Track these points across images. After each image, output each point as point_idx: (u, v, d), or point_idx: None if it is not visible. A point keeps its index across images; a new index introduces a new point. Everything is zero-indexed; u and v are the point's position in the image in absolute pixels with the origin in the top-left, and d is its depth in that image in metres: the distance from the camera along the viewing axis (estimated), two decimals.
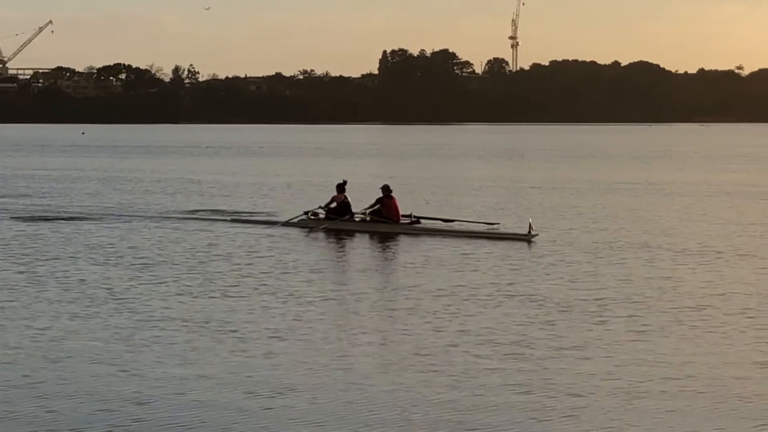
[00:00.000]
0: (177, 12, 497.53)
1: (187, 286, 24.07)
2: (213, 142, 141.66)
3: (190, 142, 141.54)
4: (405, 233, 34.02)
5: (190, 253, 29.60)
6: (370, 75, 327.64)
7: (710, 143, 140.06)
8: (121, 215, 40.62)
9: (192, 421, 13.79)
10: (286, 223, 36.34)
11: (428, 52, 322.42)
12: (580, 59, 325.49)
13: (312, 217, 36.06)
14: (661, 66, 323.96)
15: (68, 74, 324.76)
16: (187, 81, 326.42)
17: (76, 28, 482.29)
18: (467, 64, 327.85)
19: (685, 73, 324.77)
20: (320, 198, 40.55)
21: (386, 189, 35.06)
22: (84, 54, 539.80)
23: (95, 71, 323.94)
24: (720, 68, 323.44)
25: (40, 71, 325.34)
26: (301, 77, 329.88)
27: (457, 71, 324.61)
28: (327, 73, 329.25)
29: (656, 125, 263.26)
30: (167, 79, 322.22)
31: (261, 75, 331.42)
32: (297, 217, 36.64)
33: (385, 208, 34.75)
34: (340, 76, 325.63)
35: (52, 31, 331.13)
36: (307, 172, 72.30)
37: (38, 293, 23.09)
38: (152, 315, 20.64)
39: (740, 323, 19.95)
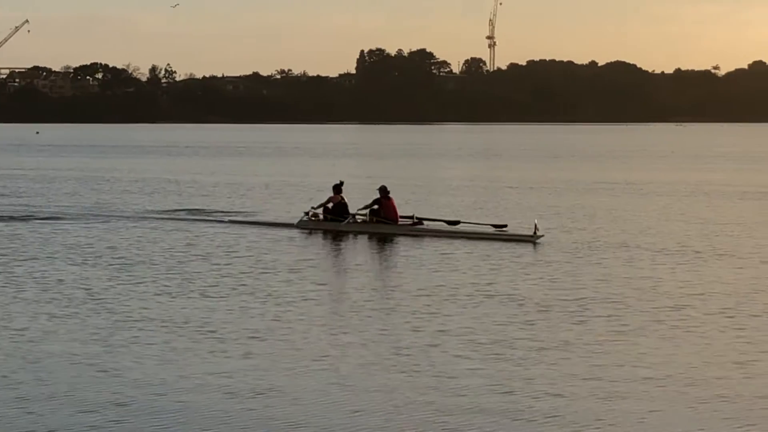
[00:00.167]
0: (153, 11, 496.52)
1: (166, 286, 23.98)
2: (191, 142, 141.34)
3: (167, 142, 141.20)
4: (406, 235, 33.74)
5: (168, 253, 29.51)
6: (347, 75, 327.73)
7: (687, 143, 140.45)
8: (98, 215, 40.46)
9: (172, 422, 13.73)
10: (296, 226, 35.77)
11: (406, 51, 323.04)
12: (557, 59, 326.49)
13: (313, 218, 35.79)
14: (638, 66, 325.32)
15: (45, 74, 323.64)
16: (164, 80, 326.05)
17: (52, 27, 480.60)
18: (445, 63, 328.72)
19: (662, 73, 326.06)
20: (299, 198, 40.50)
21: (383, 190, 34.89)
22: (60, 53, 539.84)
23: (72, 71, 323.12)
24: (697, 68, 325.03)
25: (17, 71, 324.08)
26: (278, 77, 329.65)
27: (434, 71, 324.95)
28: (304, 73, 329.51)
29: (633, 125, 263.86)
30: (144, 79, 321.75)
31: (238, 74, 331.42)
32: (304, 217, 36.14)
33: (383, 208, 34.60)
34: (318, 76, 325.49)
35: (29, 31, 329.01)
36: (284, 172, 72.20)
37: (16, 294, 22.96)
38: (131, 315, 20.55)
39: (719, 323, 19.99)
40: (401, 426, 13.62)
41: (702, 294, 23.06)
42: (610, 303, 21.89)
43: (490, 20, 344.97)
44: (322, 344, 18.18)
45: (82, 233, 34.45)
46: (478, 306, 21.61)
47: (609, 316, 20.55)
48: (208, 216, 40.18)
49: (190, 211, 42.25)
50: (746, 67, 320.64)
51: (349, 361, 17.01)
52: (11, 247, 30.72)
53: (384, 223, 34.39)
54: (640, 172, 72.29)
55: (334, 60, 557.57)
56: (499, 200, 48.56)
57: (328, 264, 28.71)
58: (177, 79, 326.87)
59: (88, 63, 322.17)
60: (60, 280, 24.74)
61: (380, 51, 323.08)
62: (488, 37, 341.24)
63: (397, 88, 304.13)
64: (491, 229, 34.05)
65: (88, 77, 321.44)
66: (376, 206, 34.69)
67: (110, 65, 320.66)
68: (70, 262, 27.72)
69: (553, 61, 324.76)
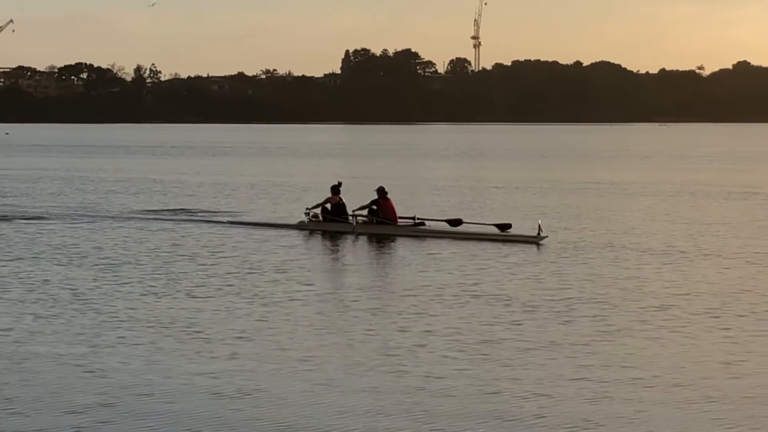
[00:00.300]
0: (138, 12, 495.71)
1: (152, 286, 23.94)
2: (176, 142, 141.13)
3: (152, 142, 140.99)
4: (408, 236, 33.59)
5: (154, 253, 29.45)
6: (332, 75, 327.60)
7: (672, 143, 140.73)
8: (84, 215, 40.38)
9: (158, 423, 13.69)
10: (296, 227, 35.68)
11: (391, 52, 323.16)
12: (542, 59, 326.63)
13: (313, 219, 35.71)
14: (623, 66, 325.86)
15: (29, 73, 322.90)
16: (148, 80, 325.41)
17: (37, 27, 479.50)
18: (430, 64, 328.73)
19: (647, 73, 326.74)
20: (285, 198, 40.44)
21: (381, 191, 34.78)
22: (45, 53, 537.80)
23: (56, 71, 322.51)
24: (681, 68, 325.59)
25: (1, 70, 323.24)
26: (263, 77, 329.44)
27: (419, 71, 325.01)
28: (289, 73, 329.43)
29: (618, 125, 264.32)
30: (129, 79, 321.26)
31: (223, 74, 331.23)
32: (305, 218, 36.04)
33: (381, 209, 34.49)
34: (303, 76, 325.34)
35: (13, 30, 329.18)
36: (270, 172, 72.13)
37: (1, 294, 22.88)
38: (117, 316, 20.50)
39: (705, 323, 20.02)
40: (388, 427, 13.60)
41: (688, 294, 23.10)
42: (596, 303, 21.91)
43: (475, 20, 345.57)
44: (308, 345, 18.15)
45: (68, 233, 34.37)
46: (464, 306, 21.61)
47: (595, 316, 20.56)
48: (193, 216, 40.09)
49: (174, 211, 42.17)
50: (731, 67, 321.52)
51: (336, 361, 16.99)
52: None
53: (385, 223, 34.28)
54: (625, 172, 72.40)
55: (319, 60, 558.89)
56: (485, 200, 48.56)
57: (322, 265, 28.65)
58: (162, 79, 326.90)
59: (73, 63, 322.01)
60: (45, 281, 24.67)
61: (365, 51, 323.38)
62: (473, 37, 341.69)
63: (382, 88, 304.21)
64: (494, 230, 33.55)
65: (72, 77, 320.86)
66: (374, 207, 34.60)
67: (95, 65, 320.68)
68: (55, 263, 27.65)
69: (538, 61, 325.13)
